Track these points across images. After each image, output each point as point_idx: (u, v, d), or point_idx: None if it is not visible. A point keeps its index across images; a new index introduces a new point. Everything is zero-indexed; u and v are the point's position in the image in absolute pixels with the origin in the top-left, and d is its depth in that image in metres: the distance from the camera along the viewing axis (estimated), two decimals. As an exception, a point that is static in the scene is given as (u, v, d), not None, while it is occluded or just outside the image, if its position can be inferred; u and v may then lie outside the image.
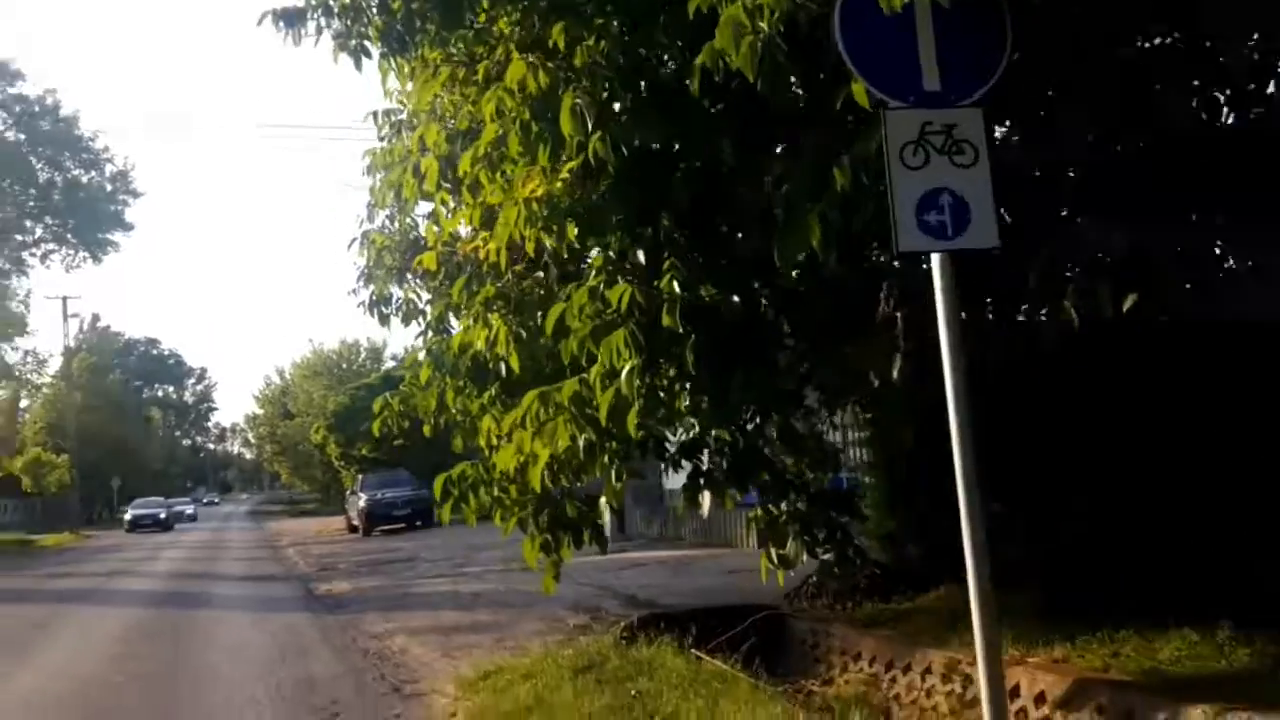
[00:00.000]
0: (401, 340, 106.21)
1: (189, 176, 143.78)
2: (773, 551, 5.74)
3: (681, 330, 4.44)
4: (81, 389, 66.52)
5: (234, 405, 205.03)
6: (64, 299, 43.50)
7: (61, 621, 12.79)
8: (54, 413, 58.87)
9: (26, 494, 50.21)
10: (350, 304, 7.35)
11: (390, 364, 52.38)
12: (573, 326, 4.65)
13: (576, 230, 4.60)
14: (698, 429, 5.43)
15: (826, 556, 6.01)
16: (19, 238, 39.85)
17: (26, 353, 39.07)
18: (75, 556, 28.20)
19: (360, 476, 30.69)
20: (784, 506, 5.76)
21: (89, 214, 39.65)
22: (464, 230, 5.90)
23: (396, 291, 6.92)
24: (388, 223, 6.92)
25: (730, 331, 4.76)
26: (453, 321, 6.43)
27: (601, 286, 4.62)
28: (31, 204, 39.31)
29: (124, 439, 64.30)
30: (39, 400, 40.23)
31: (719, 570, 11.38)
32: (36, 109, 38.39)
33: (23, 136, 38.32)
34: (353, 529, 30.44)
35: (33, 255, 40.29)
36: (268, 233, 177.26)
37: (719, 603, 8.04)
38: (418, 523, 28.20)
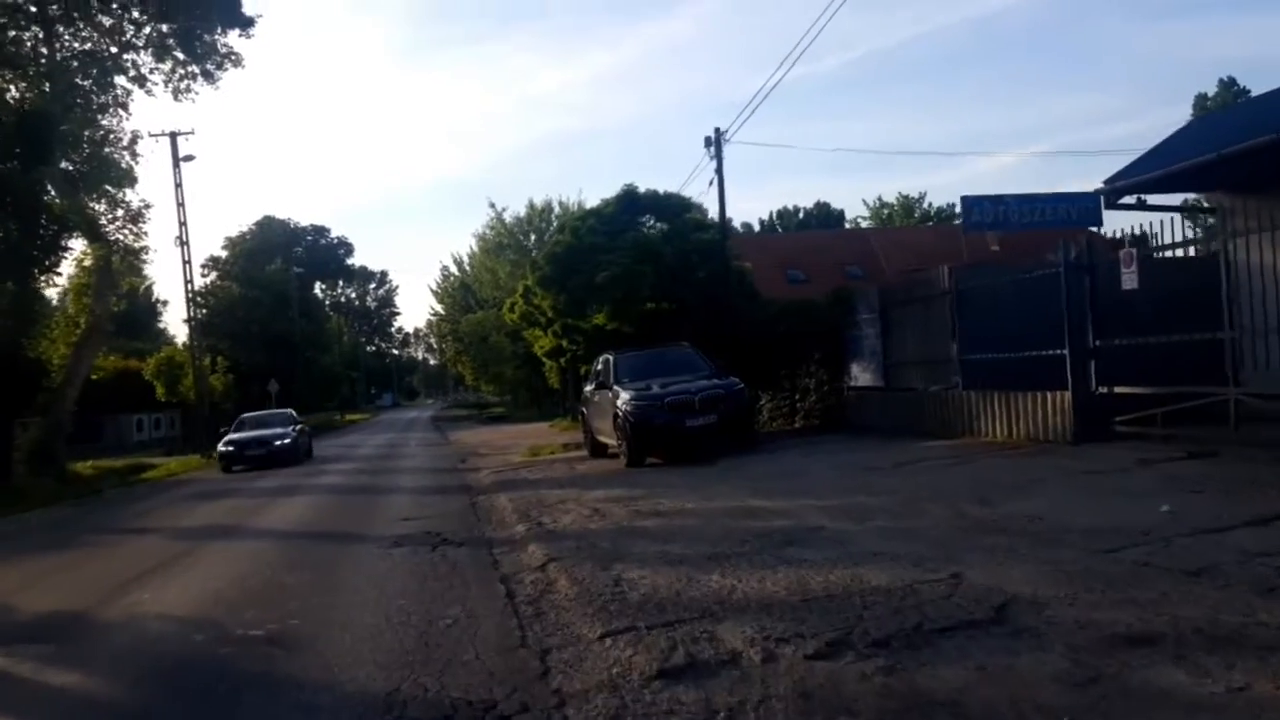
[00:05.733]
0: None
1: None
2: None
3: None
4: (235, 278, 56.94)
5: (413, 309, 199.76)
6: (172, 135, 31.43)
7: None
8: (205, 306, 49.08)
9: (167, 404, 40.29)
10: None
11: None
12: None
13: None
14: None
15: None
16: (110, 48, 27.91)
17: (115, 202, 26.99)
18: (126, 517, 16.10)
19: (609, 358, 16.95)
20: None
21: (194, 4, 27.19)
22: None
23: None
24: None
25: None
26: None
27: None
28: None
29: (287, 337, 53.98)
30: (145, 263, 28.86)
31: None
32: None
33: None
34: (598, 449, 16.95)
35: (130, 80, 28.30)
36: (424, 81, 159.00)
37: None
38: (718, 436, 14.42)
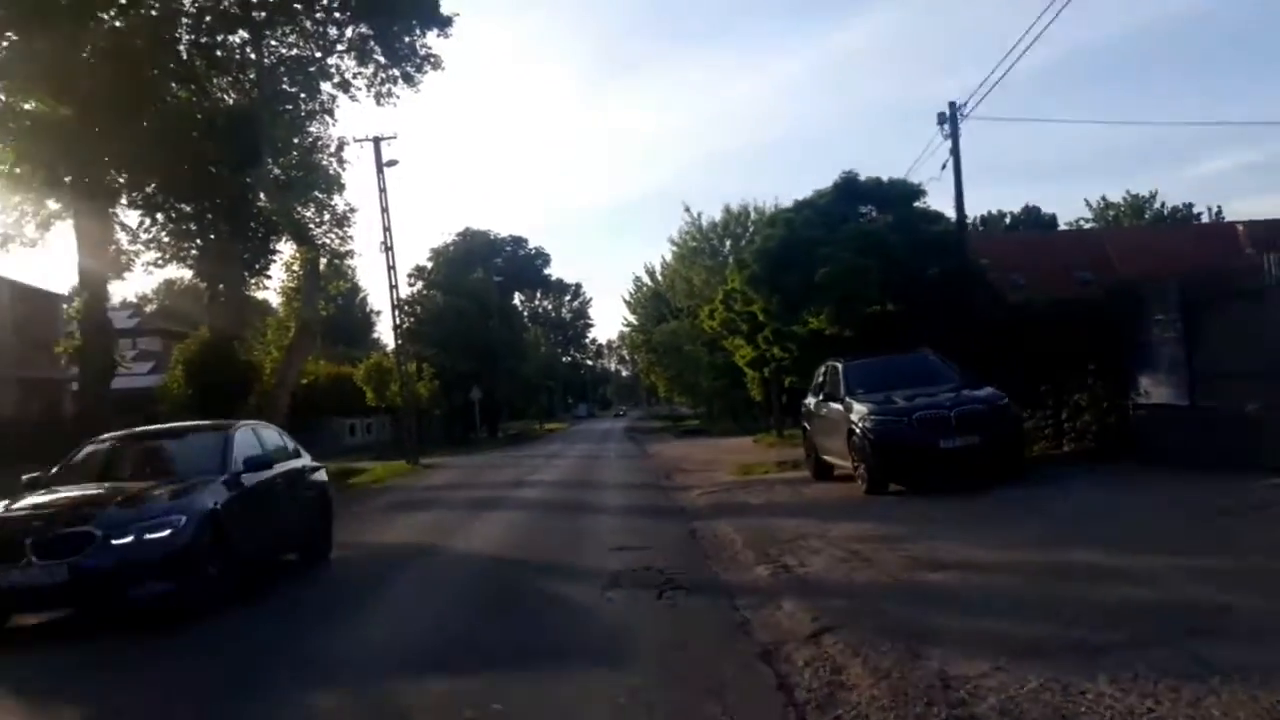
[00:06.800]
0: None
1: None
2: None
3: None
4: (439, 286, 58.36)
5: (605, 322, 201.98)
6: (375, 140, 31.81)
7: None
8: (410, 314, 50.53)
9: (376, 408, 41.26)
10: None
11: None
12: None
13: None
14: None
15: None
16: (314, 53, 28.36)
17: (322, 207, 27.33)
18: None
19: (836, 366, 14.80)
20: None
21: (393, 8, 27.26)
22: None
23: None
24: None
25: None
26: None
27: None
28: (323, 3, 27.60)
29: (490, 346, 54.56)
30: (350, 267, 29.27)
31: None
32: None
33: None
34: (823, 470, 14.86)
35: (334, 85, 28.71)
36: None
37: None
38: (980, 461, 11.96)
